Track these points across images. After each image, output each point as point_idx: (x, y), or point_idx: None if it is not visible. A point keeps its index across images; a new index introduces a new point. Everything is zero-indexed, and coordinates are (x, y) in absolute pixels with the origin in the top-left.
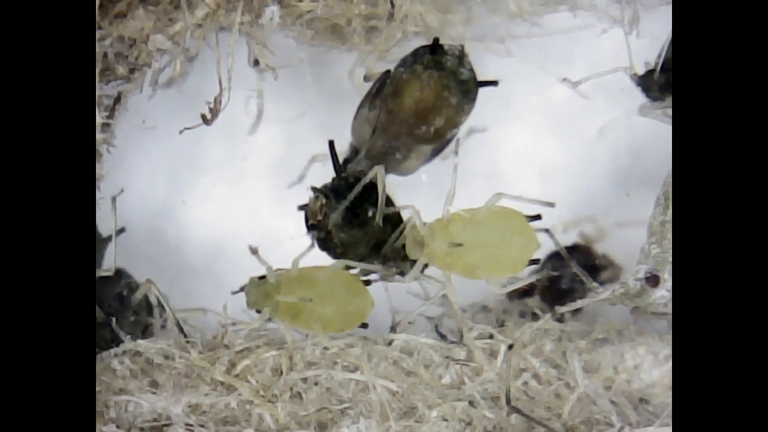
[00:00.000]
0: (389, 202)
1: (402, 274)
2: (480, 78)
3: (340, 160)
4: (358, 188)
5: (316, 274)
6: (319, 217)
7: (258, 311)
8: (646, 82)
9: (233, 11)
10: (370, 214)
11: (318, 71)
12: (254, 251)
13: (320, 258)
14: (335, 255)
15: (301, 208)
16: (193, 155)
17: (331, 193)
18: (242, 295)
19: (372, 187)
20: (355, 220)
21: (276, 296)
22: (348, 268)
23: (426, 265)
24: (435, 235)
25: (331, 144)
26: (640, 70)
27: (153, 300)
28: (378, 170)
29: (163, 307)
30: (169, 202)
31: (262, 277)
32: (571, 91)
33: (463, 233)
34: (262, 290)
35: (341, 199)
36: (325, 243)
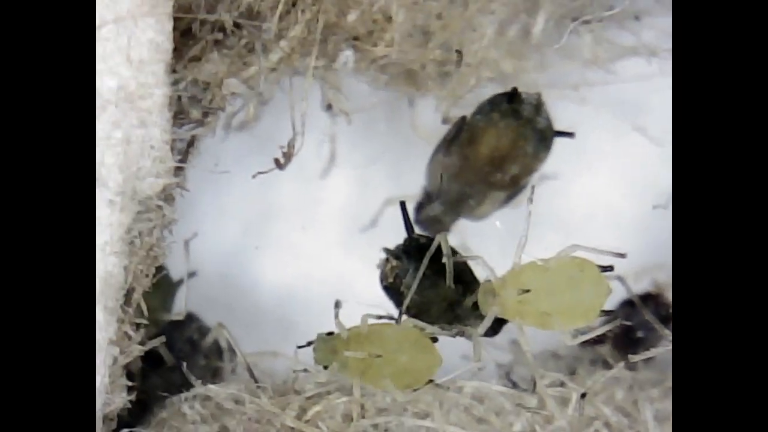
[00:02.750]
0: (461, 263)
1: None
2: (556, 127)
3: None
4: (426, 259)
5: (385, 331)
6: (390, 279)
7: (325, 367)
8: None
9: (307, 56)
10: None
11: (391, 116)
12: (338, 305)
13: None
14: (409, 315)
15: (379, 266)
16: (265, 199)
17: (402, 254)
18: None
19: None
20: (426, 281)
21: (344, 352)
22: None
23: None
24: (507, 286)
25: (403, 205)
26: None
27: (224, 344)
28: (441, 237)
29: (233, 351)
30: (241, 247)
31: (330, 333)
32: (644, 139)
33: (534, 282)
34: (330, 346)
35: (412, 261)
36: (400, 304)
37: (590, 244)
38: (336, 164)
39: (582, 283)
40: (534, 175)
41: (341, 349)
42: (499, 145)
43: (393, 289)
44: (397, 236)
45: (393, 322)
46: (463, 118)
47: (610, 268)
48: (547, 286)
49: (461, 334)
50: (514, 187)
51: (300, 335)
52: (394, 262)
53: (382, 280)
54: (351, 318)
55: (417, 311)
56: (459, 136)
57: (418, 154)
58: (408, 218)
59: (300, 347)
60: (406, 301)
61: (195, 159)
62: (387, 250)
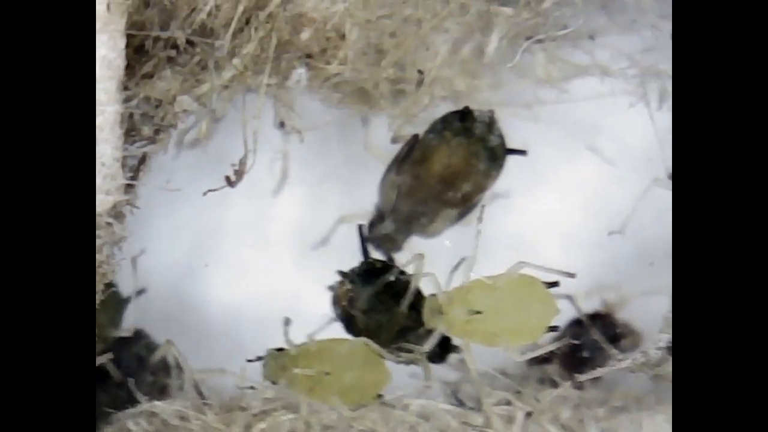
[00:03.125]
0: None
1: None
2: (509, 145)
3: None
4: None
5: (335, 347)
6: (344, 303)
7: (274, 383)
8: None
9: (260, 73)
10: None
11: (344, 134)
12: (287, 323)
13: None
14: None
15: (331, 288)
16: (216, 217)
17: (357, 277)
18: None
19: (398, 272)
20: (380, 306)
21: (294, 369)
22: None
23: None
24: (453, 303)
25: (360, 228)
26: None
27: (171, 361)
28: (416, 259)
29: (181, 367)
30: (191, 264)
31: (280, 349)
32: (597, 159)
33: (482, 301)
34: (279, 362)
35: (367, 285)
36: (350, 326)
37: (540, 263)
38: (288, 182)
39: (530, 303)
40: (486, 192)
41: (290, 365)
42: (450, 163)
43: (345, 313)
44: (349, 254)
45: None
46: (416, 136)
47: (556, 284)
48: (495, 306)
49: (411, 362)
50: (465, 205)
51: (249, 352)
52: (349, 286)
53: (334, 303)
54: (301, 335)
55: (368, 335)
56: (411, 155)
57: (371, 172)
58: (364, 242)
59: (249, 361)
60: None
61: (146, 176)
62: (342, 273)
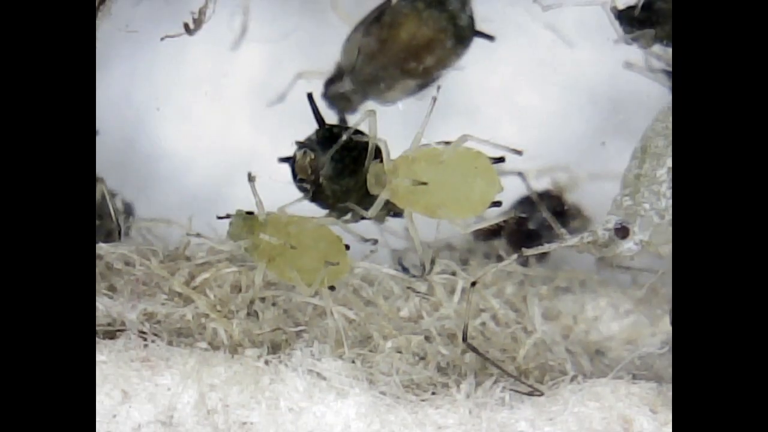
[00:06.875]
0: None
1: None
2: (478, 27)
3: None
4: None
5: (304, 224)
6: (310, 172)
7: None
8: (625, 16)
9: None
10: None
11: None
12: (252, 179)
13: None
14: (326, 206)
15: (282, 160)
16: (173, 65)
17: (317, 146)
18: (209, 211)
19: (359, 134)
20: (345, 170)
21: (260, 234)
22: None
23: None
24: (398, 171)
25: (310, 96)
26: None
27: (119, 206)
28: (369, 114)
29: (128, 213)
30: (144, 109)
31: (249, 213)
32: (555, 37)
33: (426, 171)
34: (247, 224)
35: (327, 150)
36: (316, 195)
37: (492, 138)
38: (247, 37)
39: (473, 177)
40: (448, 69)
41: (257, 230)
42: (418, 34)
43: (309, 182)
44: (305, 114)
45: None
46: (388, 0)
47: (501, 160)
48: (438, 178)
49: (361, 218)
50: (425, 78)
51: (197, 205)
52: (312, 155)
53: (296, 174)
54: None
55: (335, 200)
56: (381, 18)
57: (332, 32)
58: (317, 109)
59: (219, 218)
60: None
61: (105, 19)
62: (300, 143)
